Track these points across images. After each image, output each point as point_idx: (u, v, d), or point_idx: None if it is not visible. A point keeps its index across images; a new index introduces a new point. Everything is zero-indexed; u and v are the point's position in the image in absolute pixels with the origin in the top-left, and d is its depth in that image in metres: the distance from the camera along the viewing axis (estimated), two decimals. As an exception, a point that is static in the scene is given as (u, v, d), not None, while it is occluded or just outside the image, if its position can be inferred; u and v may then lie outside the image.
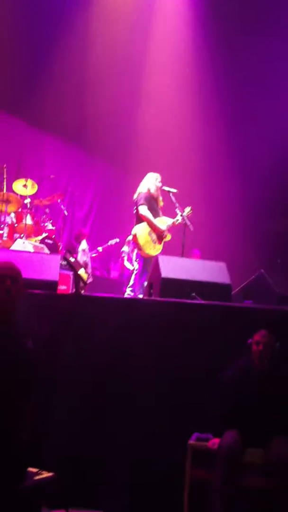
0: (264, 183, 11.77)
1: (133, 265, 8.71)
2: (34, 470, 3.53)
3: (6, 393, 3.28)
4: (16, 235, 8.76)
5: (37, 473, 3.51)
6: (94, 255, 10.71)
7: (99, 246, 10.84)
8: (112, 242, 10.87)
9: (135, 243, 7.26)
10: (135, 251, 7.99)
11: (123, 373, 5.00)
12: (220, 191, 12.37)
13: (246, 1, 11.36)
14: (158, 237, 7.28)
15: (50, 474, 3.53)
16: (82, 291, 5.84)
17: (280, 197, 11.88)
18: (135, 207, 7.38)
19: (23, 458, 3.35)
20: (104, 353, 5.07)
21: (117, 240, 10.93)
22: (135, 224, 7.31)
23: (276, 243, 11.56)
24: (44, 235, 9.12)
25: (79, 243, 10.46)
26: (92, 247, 10.85)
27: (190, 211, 7.45)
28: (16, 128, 10.92)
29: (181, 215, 7.27)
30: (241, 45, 11.43)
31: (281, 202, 11.96)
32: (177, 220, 7.34)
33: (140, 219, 7.26)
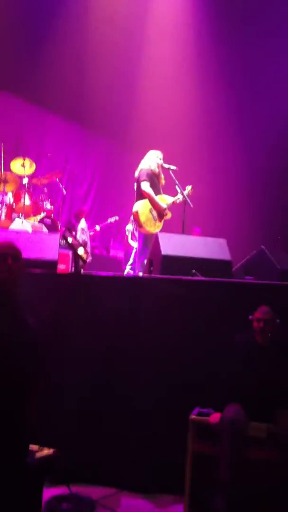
0: (267, 154, 11.69)
1: (137, 243, 8.67)
2: (36, 447, 3.54)
3: (11, 371, 3.27)
4: (15, 215, 8.70)
5: (38, 450, 3.52)
6: (91, 233, 10.65)
7: (97, 225, 10.78)
8: (111, 220, 10.81)
9: (135, 219, 7.22)
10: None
11: (126, 351, 5.00)
12: (221, 167, 12.29)
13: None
14: (159, 214, 7.24)
15: (51, 450, 3.54)
16: (82, 270, 5.80)
17: (286, 166, 11.82)
18: (136, 184, 7.33)
19: (26, 435, 3.36)
20: (106, 332, 5.07)
21: (116, 218, 10.87)
22: (136, 201, 7.27)
23: (281, 215, 11.53)
24: (42, 214, 9.06)
25: (79, 221, 10.41)
26: (92, 226, 10.80)
27: (191, 189, 7.41)
28: (14, 106, 10.81)
29: (182, 194, 7.23)
30: (246, 17, 11.30)
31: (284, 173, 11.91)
32: (178, 198, 7.31)
33: (141, 196, 7.22)
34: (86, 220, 10.51)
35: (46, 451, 3.55)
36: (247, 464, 4.08)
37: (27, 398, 3.34)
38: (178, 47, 11.87)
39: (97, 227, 10.68)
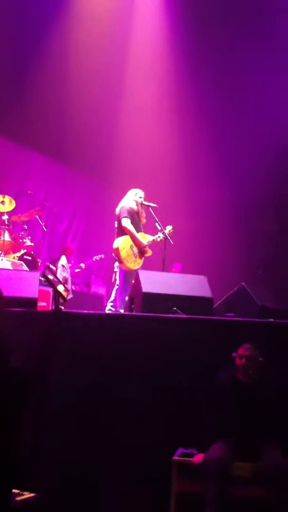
0: (249, 190, 11.82)
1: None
2: (16, 490, 3.47)
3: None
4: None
5: (19, 494, 3.45)
6: (77, 270, 10.64)
7: (81, 263, 10.77)
8: (97, 257, 10.81)
9: (116, 256, 7.23)
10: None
11: (106, 388, 4.95)
12: (202, 202, 12.38)
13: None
14: (140, 251, 7.26)
15: (32, 495, 3.47)
16: (62, 308, 5.77)
17: (267, 201, 11.95)
18: (116, 221, 7.37)
19: (10, 478, 3.30)
20: (87, 369, 5.03)
21: (102, 256, 10.86)
22: (116, 237, 7.29)
23: (262, 250, 11.62)
24: (22, 251, 9.03)
25: (66, 257, 10.43)
26: (76, 263, 10.77)
27: (171, 229, 7.47)
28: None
29: (163, 233, 7.29)
30: (223, 51, 11.51)
31: (268, 206, 12.04)
32: (158, 237, 7.37)
33: (121, 232, 7.25)
34: (70, 257, 10.50)
35: (27, 495, 3.47)
36: (233, 502, 4.04)
37: (11, 440, 3.29)
38: (161, 82, 12.06)
39: (82, 265, 10.67)
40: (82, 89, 11.31)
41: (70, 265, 10.38)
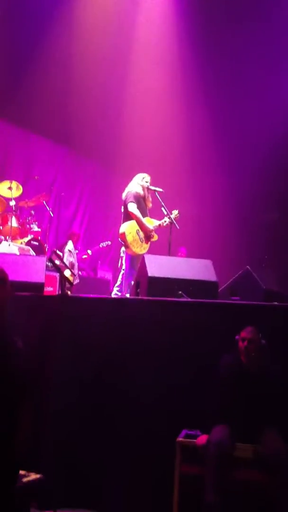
0: (253, 177, 11.80)
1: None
2: (23, 472, 3.53)
3: (2, 395, 3.29)
4: (1, 238, 8.72)
5: (25, 475, 3.51)
6: (84, 257, 10.69)
7: (89, 249, 10.83)
8: (104, 244, 10.85)
9: (122, 240, 7.28)
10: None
11: (112, 373, 5.00)
12: (207, 188, 12.40)
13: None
14: (146, 236, 7.30)
15: (38, 476, 3.53)
16: (69, 292, 5.82)
17: (270, 189, 11.93)
18: (123, 206, 7.39)
19: (18, 460, 3.36)
20: (93, 354, 5.07)
21: (109, 243, 10.91)
22: (122, 222, 7.32)
23: (266, 236, 11.62)
24: (30, 237, 9.09)
25: (73, 243, 10.49)
26: (83, 248, 10.82)
27: (177, 214, 7.50)
28: (0, 129, 10.85)
29: (169, 217, 7.31)
30: (227, 39, 11.44)
31: (271, 194, 12.01)
32: (164, 221, 7.41)
33: (128, 217, 7.28)
34: (77, 242, 10.54)
35: (33, 476, 3.54)
36: (233, 485, 4.08)
37: (19, 421, 3.35)
38: (166, 69, 12.01)
39: (89, 252, 10.72)
40: (87, 74, 11.28)
41: (77, 251, 10.44)
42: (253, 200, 12.17)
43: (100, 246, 10.80)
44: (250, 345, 4.37)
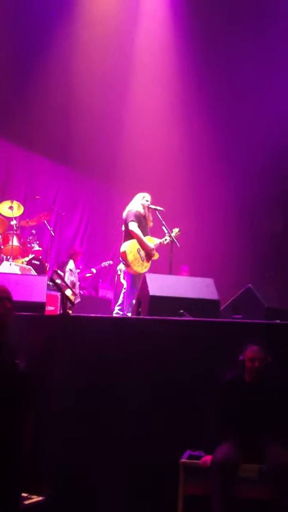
0: (253, 191, 11.83)
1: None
2: (25, 494, 3.50)
3: (2, 412, 3.28)
4: (3, 257, 8.73)
5: (27, 498, 3.48)
6: (88, 275, 10.70)
7: (92, 267, 10.84)
8: (105, 264, 10.88)
9: (123, 259, 7.29)
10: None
11: (114, 393, 4.97)
12: (208, 204, 12.40)
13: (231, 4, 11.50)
14: (147, 254, 7.31)
15: (39, 498, 3.50)
16: (70, 312, 5.81)
17: (272, 202, 11.97)
18: (123, 225, 7.42)
19: (19, 481, 3.34)
20: (94, 373, 5.05)
21: (111, 262, 10.95)
22: (123, 241, 7.34)
23: (268, 251, 11.62)
24: (31, 256, 9.10)
25: (74, 263, 10.49)
26: (83, 266, 10.83)
27: (178, 232, 7.53)
28: (1, 148, 10.90)
29: (169, 235, 7.33)
30: (226, 52, 11.55)
31: (273, 207, 12.05)
32: (165, 240, 7.43)
33: (129, 236, 7.30)
34: (80, 261, 10.55)
35: (35, 499, 3.51)
36: (239, 504, 4.05)
37: (19, 441, 3.34)
38: (165, 85, 12.09)
39: (94, 270, 10.74)
40: (87, 92, 11.36)
41: (78, 270, 10.44)
42: (254, 214, 12.20)
43: (102, 265, 10.83)
44: (261, 365, 4.36)
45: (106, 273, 12.20)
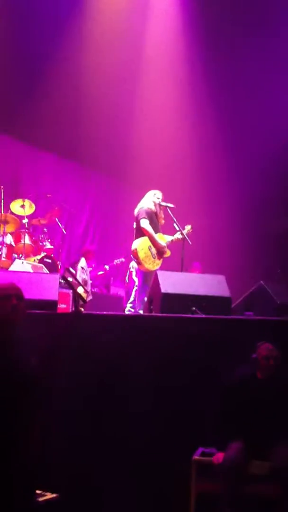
0: (265, 186, 11.78)
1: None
2: (39, 491, 3.52)
3: (12, 410, 3.29)
4: (15, 255, 8.76)
5: (41, 495, 3.50)
6: (101, 273, 10.72)
7: (106, 265, 10.86)
8: (118, 261, 10.88)
9: (134, 257, 7.29)
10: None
11: (126, 389, 4.99)
12: (218, 200, 12.37)
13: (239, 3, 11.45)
14: (158, 252, 7.30)
15: (53, 495, 3.52)
16: (82, 309, 5.82)
17: (284, 197, 11.91)
18: (135, 222, 7.42)
19: (33, 478, 3.36)
20: (106, 371, 5.06)
21: (122, 260, 10.93)
22: (135, 239, 7.34)
23: (280, 247, 11.59)
24: (42, 254, 9.13)
25: (87, 261, 10.52)
26: (95, 264, 10.84)
27: (190, 229, 7.51)
28: (12, 148, 10.92)
29: (181, 233, 7.32)
30: (236, 51, 11.46)
31: (284, 202, 12.00)
32: (177, 237, 7.41)
33: (140, 233, 7.30)
34: (92, 259, 10.57)
35: (49, 496, 3.53)
36: (249, 501, 4.05)
37: (31, 437, 3.35)
38: (174, 82, 12.05)
39: (106, 267, 10.76)
40: (95, 90, 11.32)
41: (91, 269, 10.46)
42: (266, 210, 12.15)
43: (115, 263, 10.84)
44: (277, 362, 4.36)
45: (118, 271, 12.21)
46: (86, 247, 11.04)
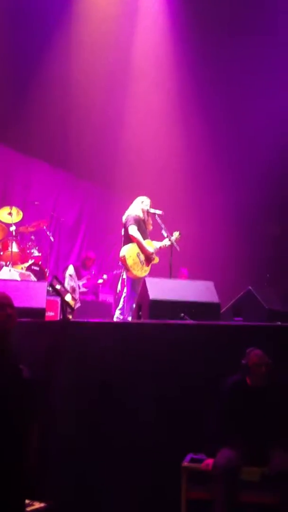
0: (252, 193, 11.84)
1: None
2: (27, 501, 3.49)
3: (7, 422, 3.27)
4: (2, 263, 8.72)
5: (29, 504, 3.47)
6: (100, 281, 10.72)
7: (104, 274, 10.86)
8: (117, 271, 10.89)
9: (123, 264, 7.28)
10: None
11: (115, 397, 4.96)
12: (207, 207, 12.41)
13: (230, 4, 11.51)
14: (147, 258, 7.29)
15: (41, 505, 3.49)
16: (70, 317, 5.80)
17: (270, 204, 11.97)
18: (123, 229, 7.41)
19: (23, 488, 3.33)
20: (95, 378, 5.04)
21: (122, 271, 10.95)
22: (123, 245, 7.33)
23: (268, 253, 11.63)
24: (30, 262, 9.09)
25: (87, 268, 10.51)
26: (95, 272, 10.84)
27: (179, 235, 7.52)
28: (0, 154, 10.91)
29: (169, 239, 7.33)
30: (225, 58, 11.57)
31: (272, 209, 12.06)
32: (165, 244, 7.41)
33: (128, 240, 7.30)
34: (93, 266, 10.57)
35: (37, 505, 3.50)
36: (242, 508, 4.03)
37: (25, 448, 3.34)
38: (163, 90, 12.10)
39: (105, 276, 10.76)
40: (85, 98, 11.35)
41: (89, 276, 10.47)
42: (253, 216, 12.21)
43: (114, 272, 10.86)
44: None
45: (107, 277, 12.19)
46: (86, 254, 11.06)
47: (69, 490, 4.73)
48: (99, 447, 4.89)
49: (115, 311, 7.73)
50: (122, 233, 7.46)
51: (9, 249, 8.77)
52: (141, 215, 7.46)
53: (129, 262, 7.15)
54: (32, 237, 9.59)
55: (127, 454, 4.81)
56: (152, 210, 7.50)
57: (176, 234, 7.51)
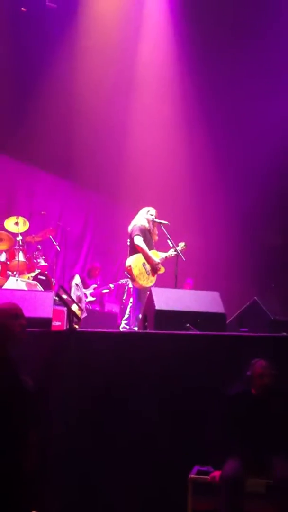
0: (256, 203, 11.82)
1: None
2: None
3: (9, 430, 3.29)
4: (9, 273, 8.76)
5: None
6: (105, 291, 10.73)
7: (111, 284, 10.89)
8: (123, 281, 10.91)
9: (129, 274, 7.30)
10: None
11: (121, 407, 4.97)
12: (212, 217, 12.40)
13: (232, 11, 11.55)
14: (152, 269, 7.31)
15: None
16: (77, 327, 5.82)
17: (275, 214, 11.96)
18: (129, 239, 7.44)
19: (27, 497, 3.35)
20: (101, 388, 5.04)
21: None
22: (129, 256, 7.36)
23: (273, 263, 11.61)
24: (37, 271, 9.13)
25: (93, 278, 10.53)
26: (101, 282, 10.86)
27: (184, 246, 7.55)
28: (5, 165, 10.96)
29: (174, 248, 7.35)
30: (227, 64, 11.58)
31: (276, 219, 12.05)
32: (170, 254, 7.44)
33: (134, 250, 7.32)
34: (99, 275, 10.59)
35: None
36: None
37: (27, 457, 3.35)
38: (166, 100, 12.13)
39: (111, 286, 10.78)
40: (89, 107, 11.39)
41: (95, 286, 10.48)
42: (258, 226, 12.18)
43: (120, 282, 10.88)
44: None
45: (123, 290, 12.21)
46: (92, 264, 11.09)
47: (70, 502, 4.71)
48: (102, 458, 4.89)
49: (121, 321, 7.75)
50: (128, 243, 7.49)
51: (16, 258, 8.82)
52: (147, 225, 7.48)
53: (135, 272, 7.18)
54: (39, 246, 9.64)
55: (131, 467, 4.80)
56: (158, 220, 7.53)
57: (181, 245, 7.55)
